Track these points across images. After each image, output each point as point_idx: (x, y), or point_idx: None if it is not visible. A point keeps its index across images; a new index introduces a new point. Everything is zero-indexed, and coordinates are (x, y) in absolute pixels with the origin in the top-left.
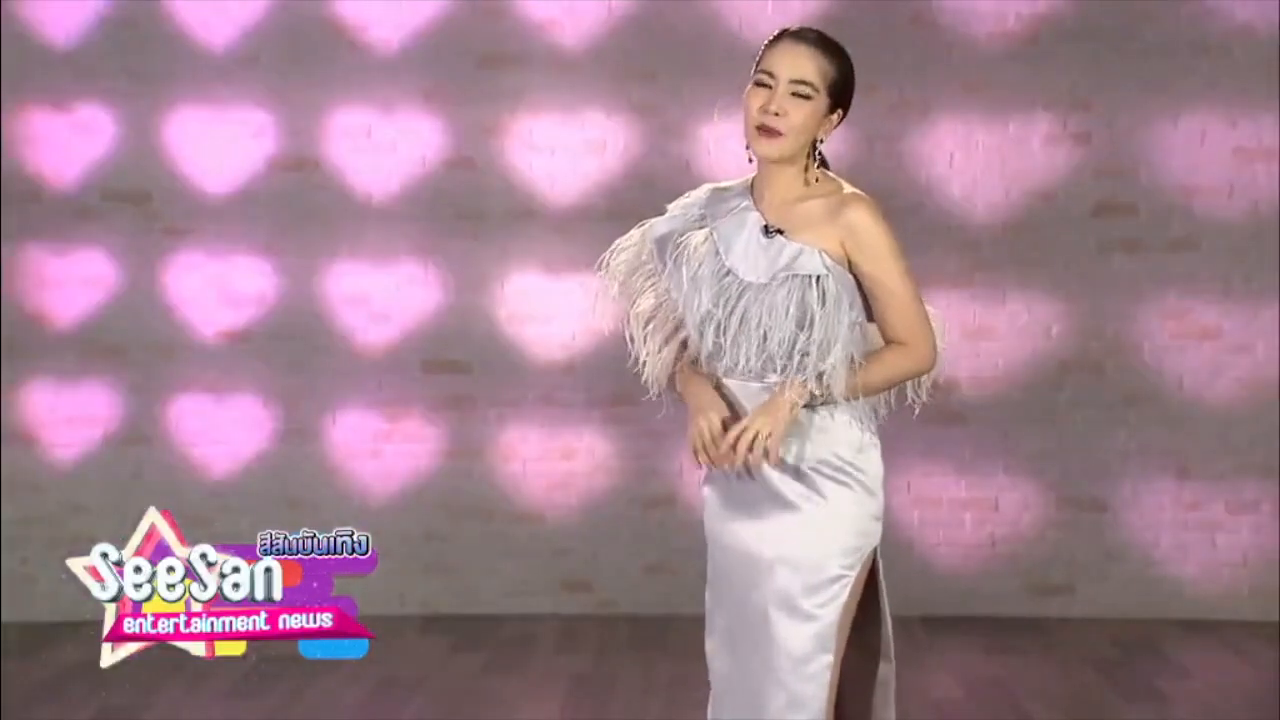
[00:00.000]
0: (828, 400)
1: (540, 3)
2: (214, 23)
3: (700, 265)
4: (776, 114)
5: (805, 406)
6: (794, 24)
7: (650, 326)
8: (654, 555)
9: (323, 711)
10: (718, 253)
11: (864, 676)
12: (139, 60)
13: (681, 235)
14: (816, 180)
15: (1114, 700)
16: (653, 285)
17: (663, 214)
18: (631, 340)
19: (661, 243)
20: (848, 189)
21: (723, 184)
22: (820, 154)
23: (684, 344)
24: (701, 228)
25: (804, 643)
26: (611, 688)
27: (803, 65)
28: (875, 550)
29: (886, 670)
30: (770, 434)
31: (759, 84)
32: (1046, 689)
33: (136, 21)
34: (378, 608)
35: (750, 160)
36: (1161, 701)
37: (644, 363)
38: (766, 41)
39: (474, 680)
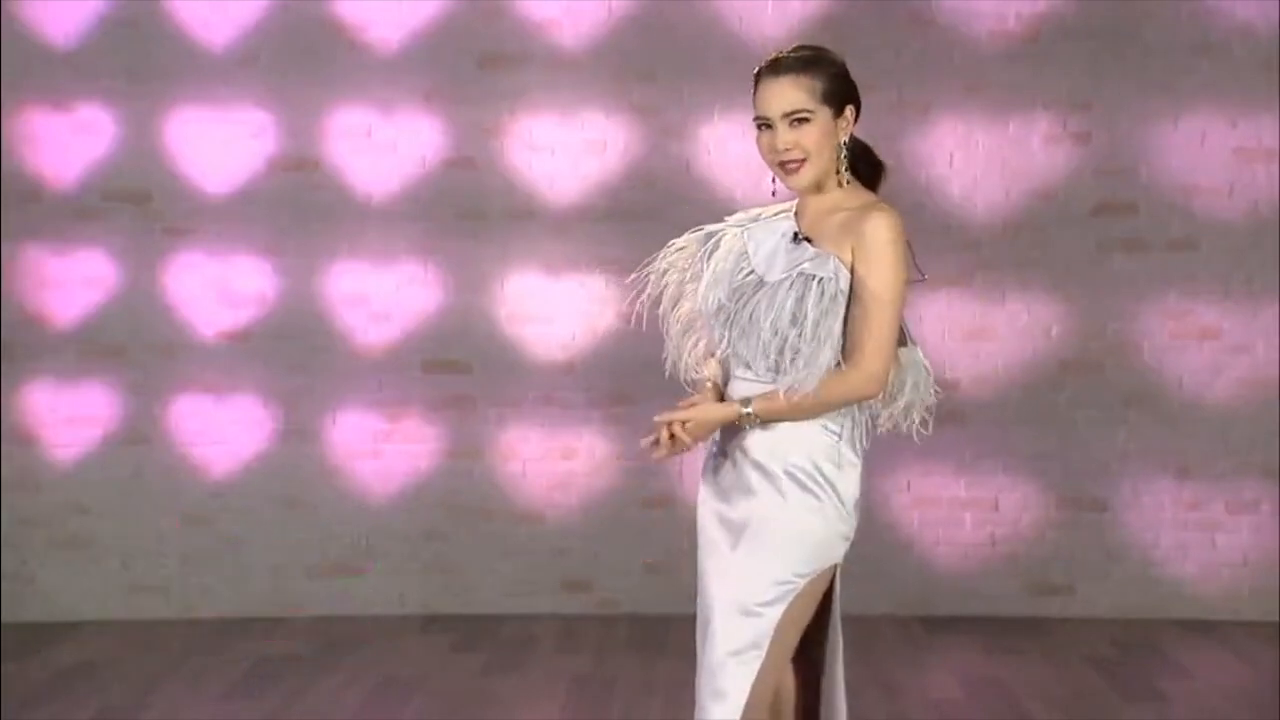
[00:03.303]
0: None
1: (540, 3)
2: (214, 23)
3: (724, 261)
4: (788, 149)
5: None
6: (768, 55)
7: (690, 325)
8: (654, 555)
9: (323, 711)
10: (745, 252)
11: (813, 692)
12: (139, 60)
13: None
14: (846, 183)
15: (1114, 700)
16: (696, 288)
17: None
18: (667, 335)
19: (705, 244)
20: (879, 203)
21: (776, 204)
22: (855, 153)
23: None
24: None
25: (739, 638)
26: (611, 688)
27: (787, 96)
28: (836, 570)
29: (830, 686)
30: (684, 423)
31: (760, 127)
32: (1046, 689)
33: (136, 21)
34: (378, 608)
35: (773, 194)
36: (1161, 701)
37: (683, 361)
38: (752, 83)
39: (474, 680)
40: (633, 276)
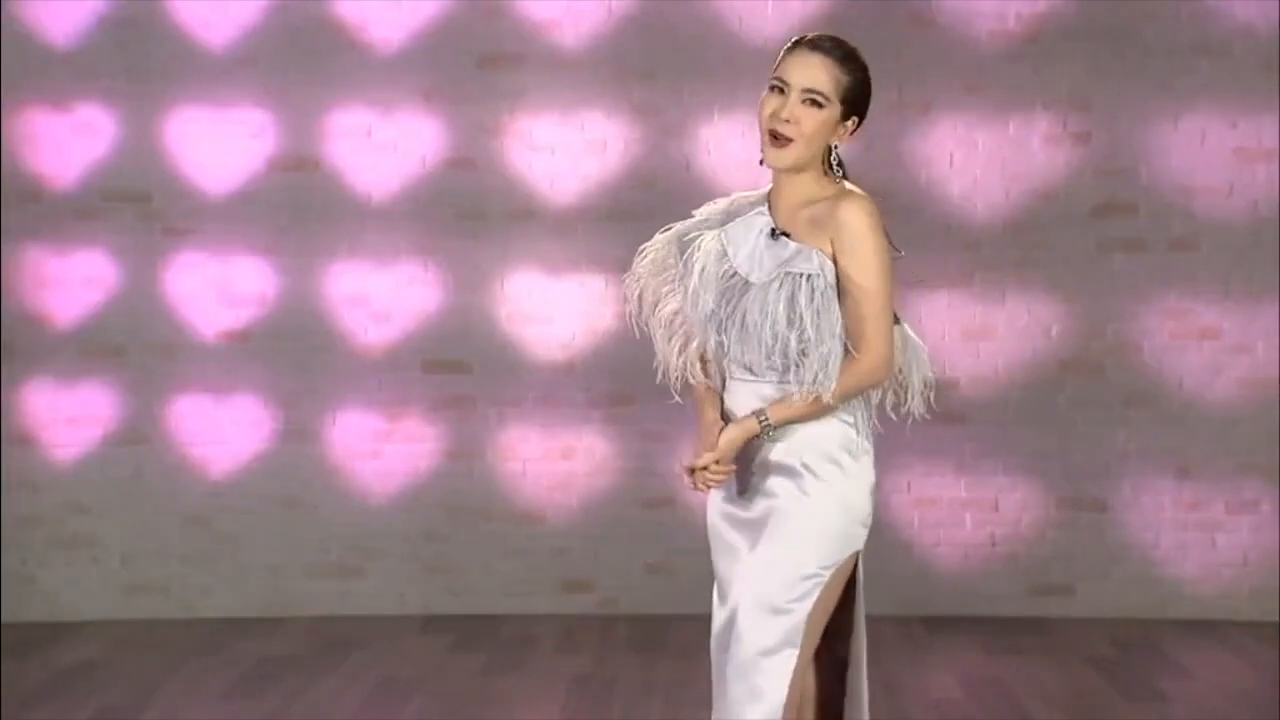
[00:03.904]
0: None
1: (540, 3)
2: (214, 23)
3: (707, 265)
4: (788, 120)
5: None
6: (812, 31)
7: (672, 328)
8: (654, 555)
9: (323, 711)
10: (725, 254)
11: (834, 682)
12: (139, 60)
13: (694, 237)
14: (832, 181)
15: (1114, 700)
16: (675, 289)
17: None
18: (654, 341)
19: (683, 246)
20: (850, 189)
21: (747, 193)
22: (839, 160)
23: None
24: (711, 230)
25: (771, 636)
26: (611, 688)
27: (815, 74)
28: (858, 555)
29: (858, 677)
30: (708, 467)
31: (773, 89)
32: (1046, 689)
33: (136, 21)
34: (378, 608)
35: (761, 162)
36: (1161, 701)
37: (668, 365)
38: (785, 47)
39: (474, 680)
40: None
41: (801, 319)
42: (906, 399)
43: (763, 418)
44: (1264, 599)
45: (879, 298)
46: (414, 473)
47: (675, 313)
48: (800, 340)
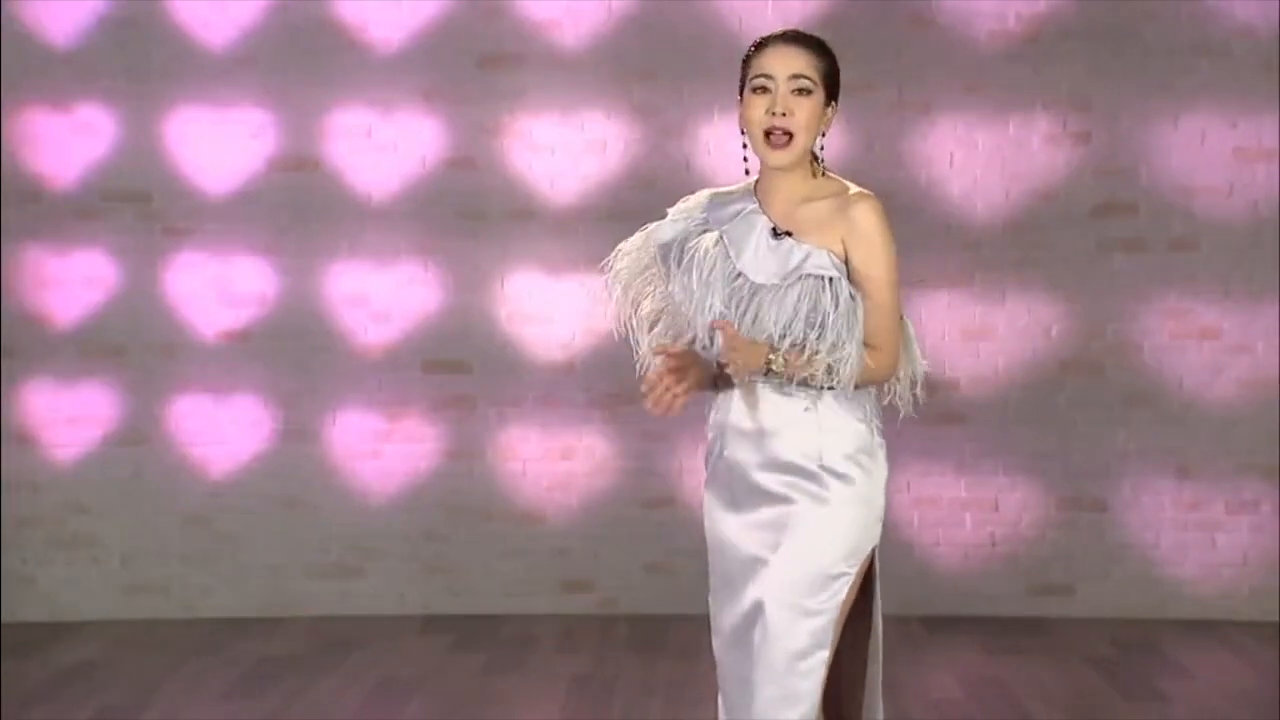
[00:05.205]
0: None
1: (540, 3)
2: (214, 23)
3: (712, 269)
4: (784, 114)
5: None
6: (773, 30)
7: (655, 330)
8: (654, 555)
9: (323, 711)
10: (728, 255)
11: (853, 676)
12: (139, 60)
13: (687, 239)
14: (823, 175)
15: (1114, 700)
16: (655, 289)
17: (663, 217)
18: (636, 343)
19: (666, 247)
20: (855, 188)
21: (723, 189)
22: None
23: (689, 347)
24: (707, 231)
25: (803, 638)
26: (611, 688)
27: (797, 61)
28: (874, 550)
29: (874, 670)
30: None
31: (757, 89)
32: (1046, 689)
33: (136, 21)
34: (378, 608)
35: (746, 173)
36: (1161, 701)
37: (651, 365)
38: (749, 52)
39: (474, 680)
40: (596, 275)
41: (824, 321)
42: (893, 391)
43: (773, 355)
44: (1264, 599)
45: (893, 296)
46: (414, 473)
47: (657, 312)
48: (818, 342)
